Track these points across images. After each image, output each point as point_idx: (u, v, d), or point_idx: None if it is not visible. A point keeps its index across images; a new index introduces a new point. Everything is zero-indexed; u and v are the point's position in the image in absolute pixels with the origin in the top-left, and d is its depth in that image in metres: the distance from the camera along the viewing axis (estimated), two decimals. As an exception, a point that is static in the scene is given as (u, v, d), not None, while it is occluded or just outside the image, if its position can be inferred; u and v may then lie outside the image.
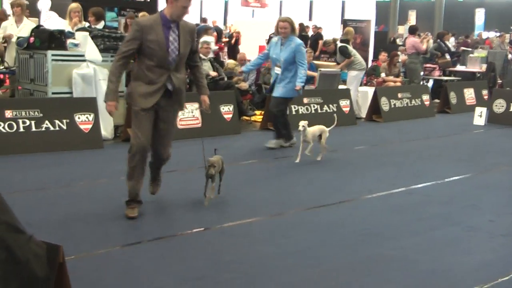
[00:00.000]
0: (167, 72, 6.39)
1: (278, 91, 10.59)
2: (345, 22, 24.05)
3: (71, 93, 10.44)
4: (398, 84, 17.20)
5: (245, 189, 8.03)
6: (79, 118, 10.04)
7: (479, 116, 14.99)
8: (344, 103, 14.13)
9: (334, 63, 16.64)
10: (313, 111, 13.46)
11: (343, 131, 13.17)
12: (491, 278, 5.36)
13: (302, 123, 9.56)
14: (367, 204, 7.68)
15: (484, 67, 20.99)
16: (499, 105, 15.48)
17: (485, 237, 6.59)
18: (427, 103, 16.48)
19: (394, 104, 15.38)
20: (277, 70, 10.57)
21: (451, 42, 27.30)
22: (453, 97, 17.20)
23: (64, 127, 9.90)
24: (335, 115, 10.19)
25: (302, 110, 13.21)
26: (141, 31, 6.25)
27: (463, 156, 11.03)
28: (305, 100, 13.41)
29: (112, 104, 6.32)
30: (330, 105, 13.85)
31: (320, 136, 9.83)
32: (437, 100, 17.83)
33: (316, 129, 9.79)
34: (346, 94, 14.36)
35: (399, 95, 15.69)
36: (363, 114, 15.17)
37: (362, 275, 5.33)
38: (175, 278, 5.10)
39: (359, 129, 13.72)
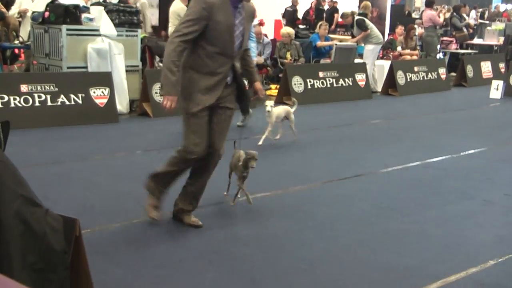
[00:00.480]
0: (230, 61, 5.31)
1: None
2: (361, -5, 23.85)
3: (86, 67, 10.45)
4: (415, 57, 17.08)
5: (261, 163, 8.00)
6: (94, 92, 10.06)
7: (496, 90, 14.89)
8: (360, 77, 14.07)
9: (350, 37, 16.56)
10: (328, 85, 13.40)
11: (359, 105, 13.14)
12: (506, 252, 5.35)
13: (270, 103, 8.94)
14: (383, 178, 7.66)
15: (501, 40, 20.79)
16: (516, 78, 15.36)
17: (501, 211, 6.57)
18: (443, 76, 16.38)
19: (410, 78, 15.29)
20: None
21: (471, 15, 27.03)
22: (469, 71, 17.08)
23: (80, 102, 9.93)
24: (294, 99, 9.55)
25: (317, 84, 13.16)
26: (208, 10, 5.07)
27: (479, 130, 10.96)
28: (321, 74, 13.36)
29: (174, 99, 5.14)
30: (346, 79, 13.79)
31: (285, 117, 9.12)
32: (453, 74, 17.71)
33: (281, 110, 9.11)
34: (362, 68, 14.30)
35: (415, 69, 15.60)
36: (379, 88, 15.12)
37: (379, 249, 5.33)
38: (192, 251, 5.12)
39: (375, 103, 13.67)
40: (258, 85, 5.78)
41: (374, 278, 4.75)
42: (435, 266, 5.00)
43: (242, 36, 5.32)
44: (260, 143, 8.86)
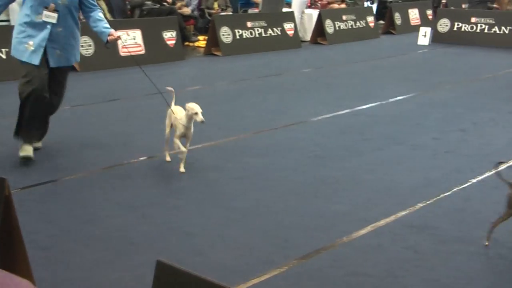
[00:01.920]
0: None
1: (60, 59, 6.32)
2: None
3: (8, 20, 10.14)
4: (343, 6, 17.14)
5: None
6: (18, 47, 9.76)
7: (423, 36, 15.13)
8: (288, 26, 14.05)
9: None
10: (257, 35, 13.34)
11: (288, 55, 13.14)
12: (433, 194, 5.49)
13: (198, 108, 5.72)
14: (314, 126, 7.72)
15: (428, -13, 21.04)
16: (443, 25, 15.63)
17: (429, 155, 6.72)
18: (371, 24, 16.51)
19: (339, 26, 15.36)
20: (49, 18, 6.12)
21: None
22: (397, 18, 17.27)
23: (4, 57, 9.63)
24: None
25: (246, 34, 13.08)
26: None
27: (407, 76, 11.13)
28: (249, 24, 13.28)
29: None
30: (275, 29, 13.75)
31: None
32: (381, 22, 17.88)
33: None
34: (290, 17, 14.27)
35: (344, 17, 15.66)
36: (308, 37, 15.14)
37: (310, 197, 5.39)
38: (125, 206, 5.07)
39: (304, 52, 13.70)
40: None
41: (306, 225, 4.81)
42: (366, 211, 5.09)
43: None
44: (169, 159, 6.23)
